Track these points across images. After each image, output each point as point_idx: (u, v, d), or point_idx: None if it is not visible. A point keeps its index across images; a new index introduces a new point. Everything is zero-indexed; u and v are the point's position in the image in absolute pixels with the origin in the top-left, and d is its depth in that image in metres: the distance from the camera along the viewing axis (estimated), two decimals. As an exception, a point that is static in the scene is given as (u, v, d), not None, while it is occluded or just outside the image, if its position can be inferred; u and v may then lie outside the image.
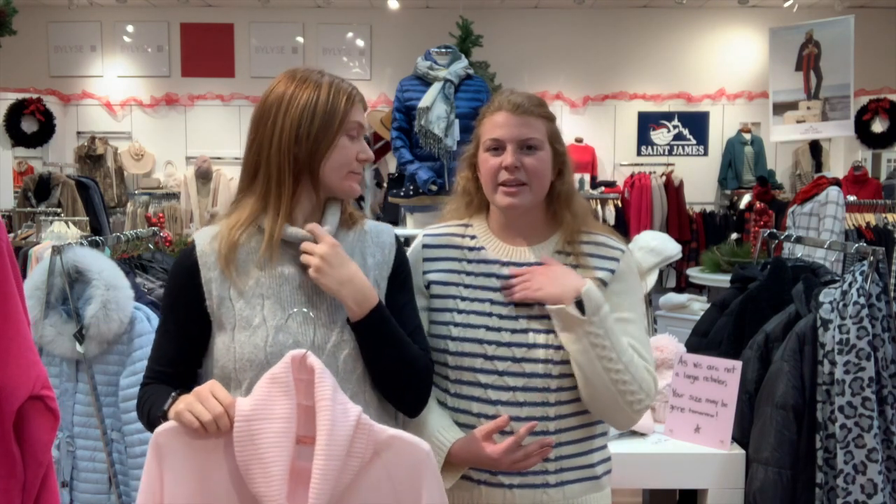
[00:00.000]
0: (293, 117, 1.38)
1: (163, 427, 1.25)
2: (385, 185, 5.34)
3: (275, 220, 1.39)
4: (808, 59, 5.86)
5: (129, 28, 8.54)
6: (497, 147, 1.59)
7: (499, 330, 1.58)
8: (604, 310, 1.52)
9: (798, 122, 5.89)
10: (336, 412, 1.20)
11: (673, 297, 4.63)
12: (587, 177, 7.72)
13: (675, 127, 8.48)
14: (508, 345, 1.57)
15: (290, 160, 1.39)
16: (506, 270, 1.61)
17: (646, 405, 1.55)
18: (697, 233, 7.74)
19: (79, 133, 8.46)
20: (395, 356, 1.41)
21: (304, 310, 1.37)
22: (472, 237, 1.67)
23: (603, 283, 1.59)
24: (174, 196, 8.23)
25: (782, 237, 2.74)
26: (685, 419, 2.21)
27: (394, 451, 1.24)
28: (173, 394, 1.30)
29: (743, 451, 2.13)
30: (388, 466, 1.24)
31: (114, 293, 2.21)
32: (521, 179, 1.57)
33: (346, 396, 1.25)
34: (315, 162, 1.39)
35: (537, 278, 1.55)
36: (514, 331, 1.57)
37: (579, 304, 1.51)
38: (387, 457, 1.24)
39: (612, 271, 1.61)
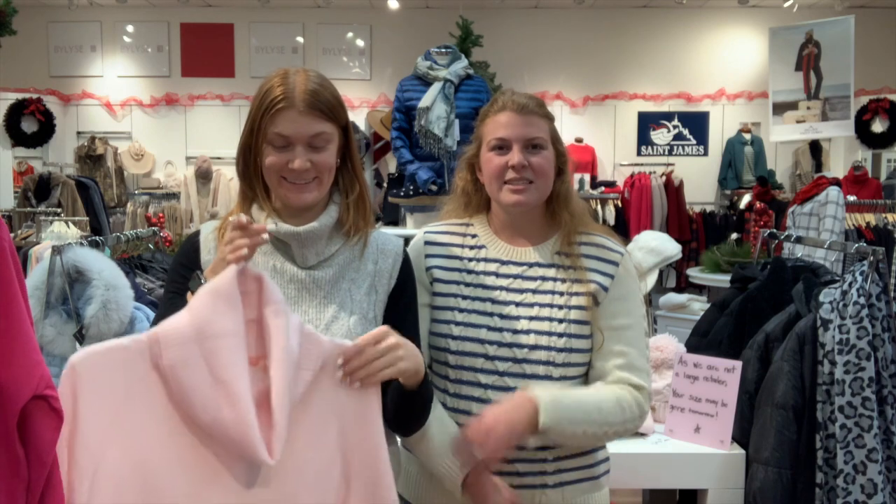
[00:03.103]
0: (245, 121, 1.45)
1: (79, 353, 1.11)
2: (385, 185, 5.34)
3: (259, 213, 1.44)
4: (808, 59, 5.86)
5: (129, 28, 8.54)
6: (502, 146, 1.59)
7: (500, 330, 1.58)
8: (561, 415, 1.47)
9: (798, 122, 5.89)
10: (287, 319, 1.15)
11: (673, 297, 4.63)
12: (587, 177, 7.72)
13: (675, 127, 8.48)
14: (509, 345, 1.57)
15: (242, 160, 1.44)
16: (506, 269, 1.62)
17: (636, 426, 1.58)
18: (697, 233, 7.74)
19: (79, 133, 8.46)
20: (422, 410, 1.43)
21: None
22: (474, 236, 1.67)
23: (603, 288, 1.59)
24: (174, 196, 8.23)
25: (782, 237, 2.74)
26: (685, 419, 2.21)
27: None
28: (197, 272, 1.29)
29: (743, 451, 2.13)
30: (335, 378, 1.21)
31: (114, 293, 2.20)
32: (529, 178, 1.58)
33: (288, 308, 1.20)
34: (252, 166, 1.43)
35: (494, 422, 1.47)
36: (515, 331, 1.57)
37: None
38: (333, 369, 1.21)
39: (612, 276, 1.61)
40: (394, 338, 1.26)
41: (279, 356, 1.11)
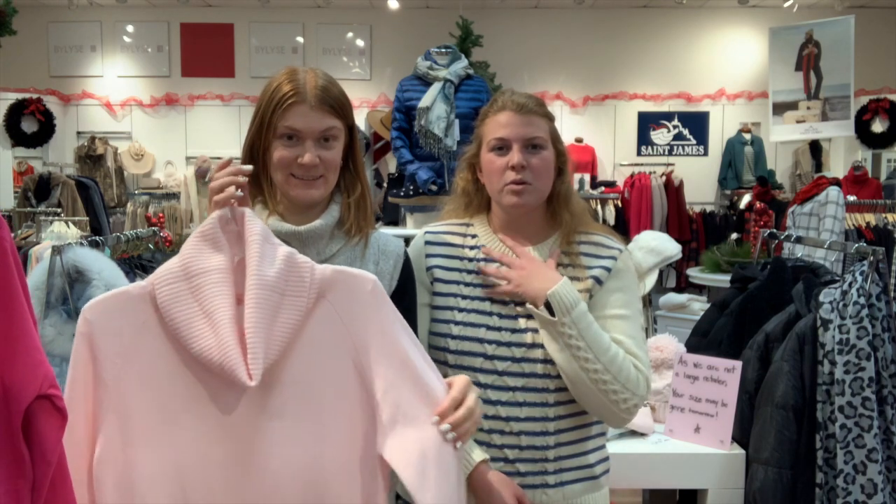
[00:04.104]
0: (252, 117, 1.44)
1: (89, 303, 1.17)
2: (385, 185, 5.34)
3: (262, 211, 1.44)
4: (808, 59, 5.86)
5: (129, 28, 8.55)
6: (502, 147, 1.59)
7: (499, 329, 1.58)
8: (577, 310, 1.50)
9: (798, 122, 5.89)
10: (265, 248, 1.16)
11: (673, 297, 4.63)
12: (587, 177, 7.72)
13: (675, 127, 8.48)
14: (508, 344, 1.57)
15: (248, 157, 1.44)
16: (501, 269, 1.62)
17: (634, 404, 1.53)
18: (697, 233, 7.74)
19: (79, 133, 8.46)
20: None
21: None
22: (474, 236, 1.68)
23: (598, 282, 1.59)
24: (174, 196, 8.23)
25: (782, 237, 2.74)
26: (685, 419, 2.21)
27: (340, 287, 1.20)
28: None
29: (743, 451, 2.13)
30: (336, 304, 1.19)
31: (114, 293, 2.20)
32: (527, 179, 1.57)
33: (278, 240, 1.21)
34: (260, 163, 1.43)
35: (517, 273, 1.56)
36: (513, 330, 1.57)
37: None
38: (333, 296, 1.19)
39: (608, 269, 1.61)
40: (474, 394, 1.24)
41: (250, 282, 1.14)
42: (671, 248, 3.37)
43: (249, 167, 1.27)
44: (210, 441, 1.15)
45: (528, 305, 1.54)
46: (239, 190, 1.22)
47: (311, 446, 1.17)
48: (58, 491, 0.95)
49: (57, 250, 2.24)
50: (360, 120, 6.96)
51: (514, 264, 1.58)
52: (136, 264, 2.66)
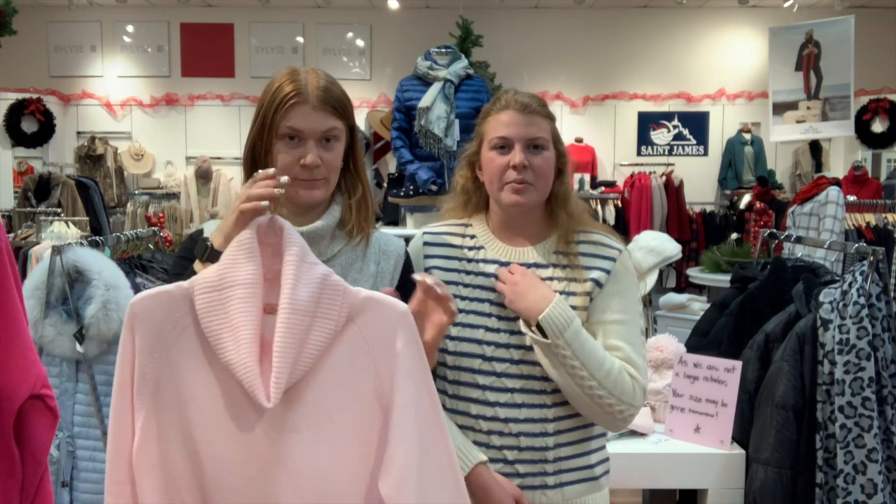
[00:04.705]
0: (253, 118, 1.44)
1: (136, 297, 1.20)
2: (385, 185, 5.34)
3: None
4: (808, 59, 5.86)
5: (129, 28, 8.54)
6: (504, 146, 1.59)
7: (497, 331, 1.58)
8: (570, 330, 1.50)
9: (798, 122, 5.89)
10: (301, 268, 1.17)
11: (673, 297, 4.63)
12: (587, 177, 7.72)
13: (675, 127, 8.48)
14: (507, 346, 1.57)
15: (250, 158, 1.44)
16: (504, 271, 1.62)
17: (629, 414, 1.54)
18: (697, 233, 7.74)
19: (79, 133, 8.45)
20: None
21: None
22: (472, 237, 1.67)
23: (598, 284, 1.59)
24: (174, 196, 8.23)
25: (782, 237, 2.74)
26: (685, 419, 2.21)
27: (369, 313, 1.20)
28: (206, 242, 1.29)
29: (743, 451, 2.13)
30: (363, 329, 1.20)
31: (114, 293, 2.21)
32: (528, 179, 1.57)
33: (315, 258, 1.21)
34: (261, 164, 1.42)
35: (510, 289, 1.56)
36: (512, 332, 1.57)
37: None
38: (362, 320, 1.20)
39: (608, 271, 1.60)
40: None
41: (283, 304, 1.15)
42: (671, 248, 3.37)
43: (286, 179, 1.26)
44: (235, 444, 1.18)
45: (521, 323, 1.54)
46: (267, 203, 1.21)
47: (325, 462, 1.18)
48: (41, 495, 0.95)
49: (57, 250, 2.25)
50: (360, 120, 6.97)
51: (507, 279, 1.57)
52: (136, 264, 2.66)
